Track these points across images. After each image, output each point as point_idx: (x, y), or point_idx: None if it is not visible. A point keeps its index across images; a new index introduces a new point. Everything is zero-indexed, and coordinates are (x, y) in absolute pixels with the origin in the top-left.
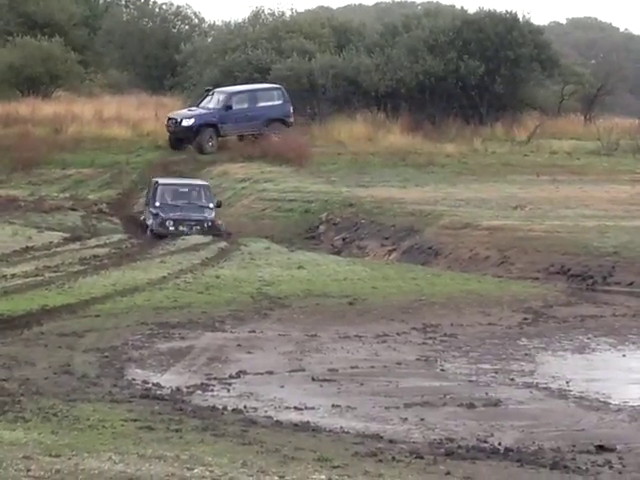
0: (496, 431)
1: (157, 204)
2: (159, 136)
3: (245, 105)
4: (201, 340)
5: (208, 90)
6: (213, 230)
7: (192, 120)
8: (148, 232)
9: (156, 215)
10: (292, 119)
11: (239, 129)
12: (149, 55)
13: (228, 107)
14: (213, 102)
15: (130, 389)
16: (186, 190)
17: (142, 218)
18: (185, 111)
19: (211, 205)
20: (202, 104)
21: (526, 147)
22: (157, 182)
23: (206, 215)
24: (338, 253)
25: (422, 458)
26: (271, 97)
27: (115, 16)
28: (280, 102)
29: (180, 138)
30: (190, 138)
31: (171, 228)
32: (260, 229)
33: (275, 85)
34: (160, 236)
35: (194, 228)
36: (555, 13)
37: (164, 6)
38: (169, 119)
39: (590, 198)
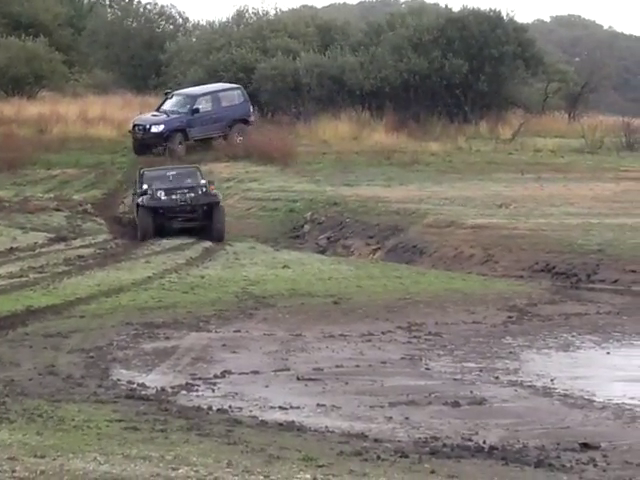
0: (481, 429)
1: (144, 187)
2: None
3: (209, 107)
4: (186, 340)
5: (167, 93)
6: (208, 196)
7: (162, 126)
8: (139, 212)
9: (144, 193)
10: (253, 118)
11: (205, 132)
12: (134, 55)
13: (195, 110)
14: (175, 105)
15: (115, 389)
16: (174, 173)
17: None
18: (149, 116)
19: (202, 182)
20: (163, 108)
21: (510, 145)
22: (142, 168)
23: (198, 182)
24: (323, 252)
25: (407, 457)
26: (232, 98)
27: (99, 16)
28: (241, 102)
29: (147, 144)
30: (159, 144)
31: (163, 198)
32: (245, 228)
33: (235, 85)
34: (154, 211)
35: (187, 195)
36: (539, 11)
37: (148, 6)
38: (135, 126)
39: (574, 196)
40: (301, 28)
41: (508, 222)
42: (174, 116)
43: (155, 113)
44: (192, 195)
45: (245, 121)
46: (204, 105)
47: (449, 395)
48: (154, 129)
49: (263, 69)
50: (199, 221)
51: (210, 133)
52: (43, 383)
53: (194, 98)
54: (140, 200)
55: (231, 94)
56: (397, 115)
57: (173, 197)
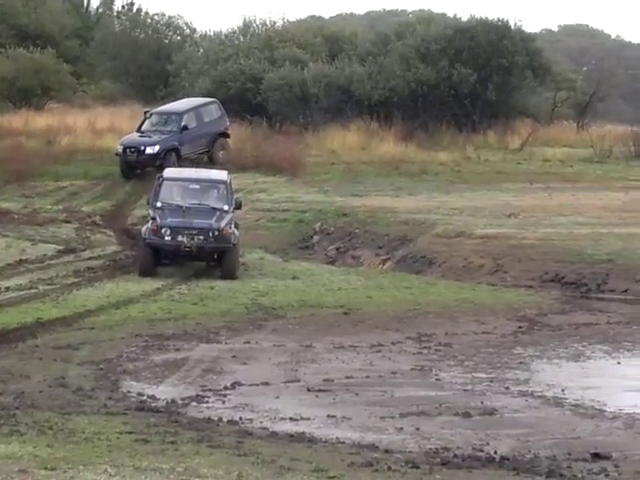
0: (492, 440)
1: (158, 204)
2: None
3: (195, 124)
4: (196, 351)
5: (146, 112)
6: (220, 242)
7: (157, 146)
8: (140, 244)
9: (153, 219)
10: (229, 131)
11: (194, 149)
12: (141, 66)
13: (184, 128)
14: (159, 124)
15: (125, 401)
16: (197, 187)
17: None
18: (137, 138)
19: (226, 207)
20: (144, 127)
21: (519, 155)
22: (161, 177)
23: (212, 222)
24: (332, 263)
25: (418, 468)
26: (211, 112)
27: (107, 27)
28: (219, 116)
29: (136, 167)
30: (152, 165)
31: (167, 238)
32: (254, 239)
33: (211, 99)
34: (155, 249)
35: (196, 238)
36: (547, 20)
37: (156, 17)
38: (127, 148)
39: (583, 206)
40: (309, 38)
41: (517, 232)
42: (165, 136)
43: (140, 134)
44: (200, 239)
45: (225, 134)
46: (190, 122)
47: (460, 406)
48: (149, 150)
49: (271, 79)
50: (206, 262)
51: (197, 150)
52: (53, 395)
53: (180, 115)
54: (144, 230)
55: (210, 109)
56: (405, 125)
57: (179, 239)
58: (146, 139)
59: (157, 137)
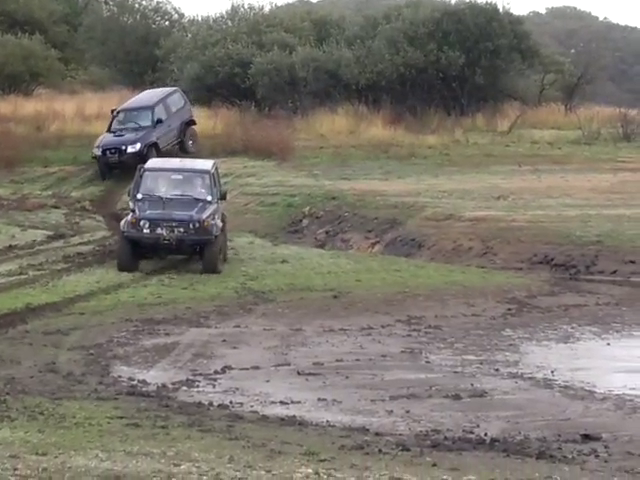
0: (482, 422)
1: (139, 196)
2: None
3: (165, 116)
4: (186, 336)
5: (113, 110)
6: (200, 234)
7: (138, 144)
8: (119, 238)
9: (132, 212)
10: (194, 118)
11: (168, 141)
12: (130, 51)
13: (158, 121)
14: (130, 120)
15: (116, 386)
16: (180, 178)
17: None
18: (112, 137)
19: (209, 198)
20: (114, 126)
21: (507, 137)
22: (142, 168)
23: (193, 214)
24: (322, 246)
25: (408, 450)
26: (176, 102)
27: (95, 13)
28: (183, 104)
29: (114, 167)
30: (134, 163)
31: (145, 230)
32: (243, 224)
33: (173, 88)
34: (134, 242)
35: (175, 231)
36: (534, 3)
37: (144, 2)
38: (106, 150)
39: (572, 187)
40: (297, 22)
41: (506, 214)
42: (142, 132)
43: (113, 133)
44: (180, 231)
45: (193, 122)
46: (161, 114)
47: (449, 388)
48: (131, 149)
49: (259, 64)
50: (188, 255)
51: (171, 141)
52: (44, 381)
53: (152, 109)
54: (122, 223)
55: (174, 98)
56: (394, 109)
57: (158, 231)
58: (124, 138)
59: (134, 135)
